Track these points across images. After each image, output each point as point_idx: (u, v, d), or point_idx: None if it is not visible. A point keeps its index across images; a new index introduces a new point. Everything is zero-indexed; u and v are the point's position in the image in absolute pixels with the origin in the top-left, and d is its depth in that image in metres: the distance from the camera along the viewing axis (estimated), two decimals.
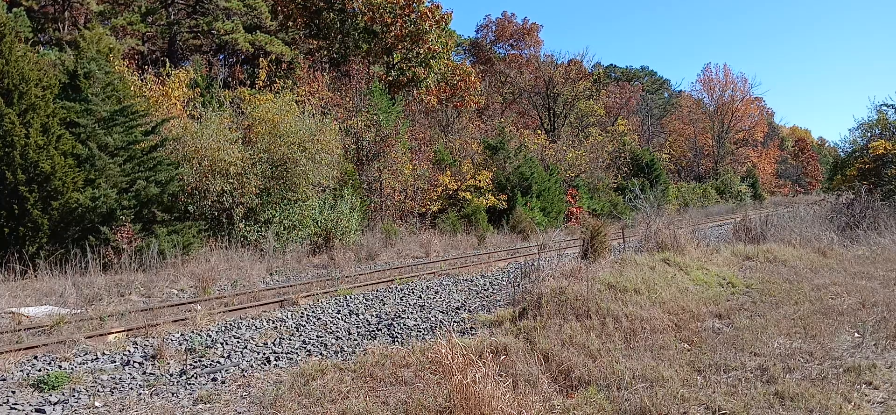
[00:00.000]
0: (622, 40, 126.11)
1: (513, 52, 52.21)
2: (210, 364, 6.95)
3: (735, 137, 61.72)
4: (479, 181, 26.34)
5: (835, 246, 14.49)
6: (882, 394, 5.37)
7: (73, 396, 5.86)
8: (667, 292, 8.79)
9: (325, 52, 32.55)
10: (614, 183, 38.88)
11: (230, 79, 33.39)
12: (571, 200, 31.39)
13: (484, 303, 10.39)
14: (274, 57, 30.59)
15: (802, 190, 70.60)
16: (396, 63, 32.89)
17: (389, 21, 31.03)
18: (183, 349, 7.46)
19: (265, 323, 8.95)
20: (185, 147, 16.74)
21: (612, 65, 66.80)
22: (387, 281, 12.74)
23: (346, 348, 7.66)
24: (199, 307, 9.73)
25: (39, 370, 6.60)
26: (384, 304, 10.42)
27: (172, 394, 5.94)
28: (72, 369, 6.70)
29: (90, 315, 9.06)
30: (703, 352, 6.44)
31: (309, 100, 23.27)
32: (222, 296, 10.95)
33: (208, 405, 5.59)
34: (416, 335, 8.18)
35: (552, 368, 5.98)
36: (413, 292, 11.47)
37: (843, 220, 17.94)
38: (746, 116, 62.81)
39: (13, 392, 5.96)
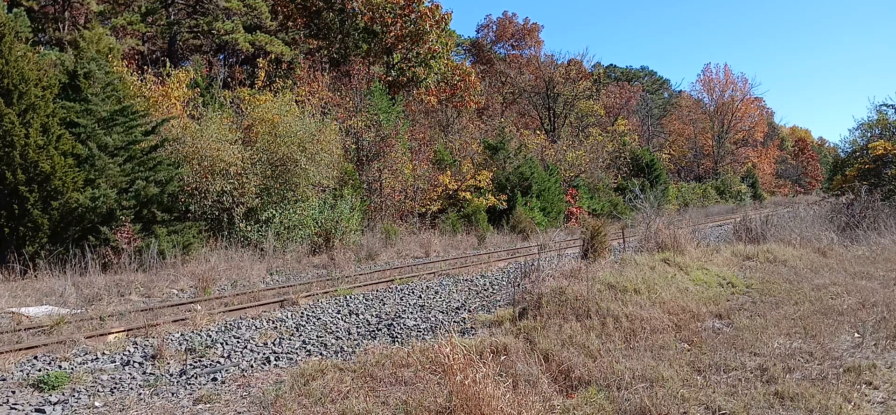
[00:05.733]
0: (622, 40, 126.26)
1: (513, 52, 52.22)
2: (210, 364, 6.94)
3: (735, 137, 61.72)
4: (479, 181, 26.34)
5: (835, 246, 14.48)
6: (882, 394, 5.37)
7: (73, 396, 5.86)
8: (667, 292, 8.79)
9: (325, 52, 32.55)
10: (614, 183, 38.89)
11: (230, 79, 33.41)
12: (571, 200, 31.39)
13: (484, 303, 10.38)
14: (274, 57, 30.58)
15: (802, 190, 70.59)
16: (396, 63, 32.89)
17: (389, 21, 31.03)
18: (183, 349, 7.46)
19: (265, 323, 8.95)
20: (184, 147, 16.75)
21: (612, 65, 66.94)
22: (387, 281, 12.74)
23: (346, 348, 7.66)
24: (199, 307, 9.73)
25: (39, 370, 6.60)
26: (384, 304, 10.42)
27: (172, 394, 5.94)
28: (72, 369, 6.69)
29: (90, 315, 9.06)
30: (703, 352, 6.44)
31: (309, 100, 23.29)
32: (222, 296, 10.95)
33: (208, 405, 5.58)
34: (416, 335, 8.17)
35: (552, 368, 5.97)
36: (413, 292, 11.47)
37: (843, 220, 17.93)
38: (746, 116, 62.81)
39: (13, 392, 5.96)
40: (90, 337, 7.82)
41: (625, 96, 55.55)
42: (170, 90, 19.58)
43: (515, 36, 52.92)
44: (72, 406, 5.63)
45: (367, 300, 10.71)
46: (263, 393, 5.78)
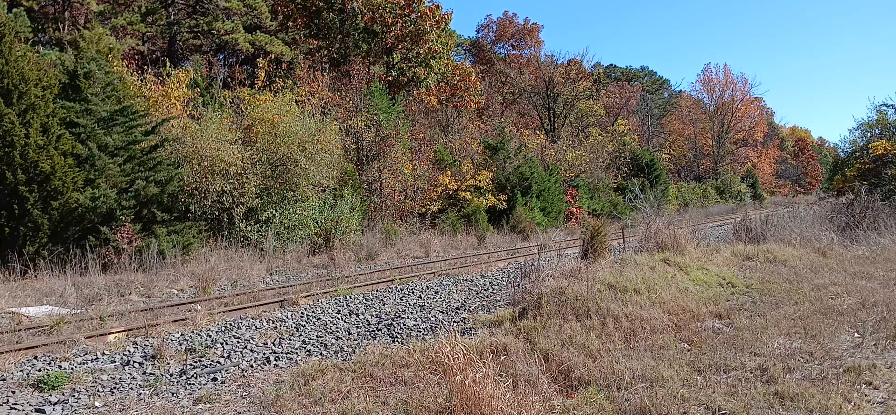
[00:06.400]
0: (622, 40, 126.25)
1: (513, 52, 52.24)
2: (210, 364, 6.94)
3: (735, 137, 61.69)
4: (479, 181, 26.33)
5: (835, 246, 14.48)
6: (882, 394, 5.37)
7: (73, 396, 5.86)
8: (667, 292, 8.79)
9: (325, 52, 32.55)
10: (614, 183, 38.88)
11: (230, 79, 33.41)
12: (571, 200, 31.39)
13: (484, 303, 10.38)
14: (274, 57, 30.59)
15: (802, 190, 70.59)
16: (396, 63, 32.89)
17: (389, 21, 31.03)
18: (183, 349, 7.46)
19: (265, 323, 8.95)
20: (184, 147, 16.75)
21: (611, 65, 66.94)
22: (387, 281, 12.74)
23: (346, 348, 7.66)
24: (199, 307, 9.73)
25: (39, 370, 6.60)
26: (384, 304, 10.42)
27: (172, 394, 5.94)
28: (72, 369, 6.69)
29: (90, 315, 9.06)
30: (703, 352, 6.44)
31: (309, 100, 23.28)
32: (222, 296, 10.94)
33: (208, 405, 5.58)
34: (416, 335, 8.17)
35: (552, 368, 5.97)
36: (413, 292, 11.47)
37: (843, 220, 17.93)
38: (746, 116, 62.77)
39: (13, 392, 5.96)
40: (90, 337, 7.82)
41: (625, 96, 55.56)
42: (170, 90, 19.58)
43: (515, 36, 52.95)
44: (72, 406, 5.63)
45: (367, 300, 10.71)
46: (263, 393, 5.78)
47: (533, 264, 9.56)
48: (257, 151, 18.01)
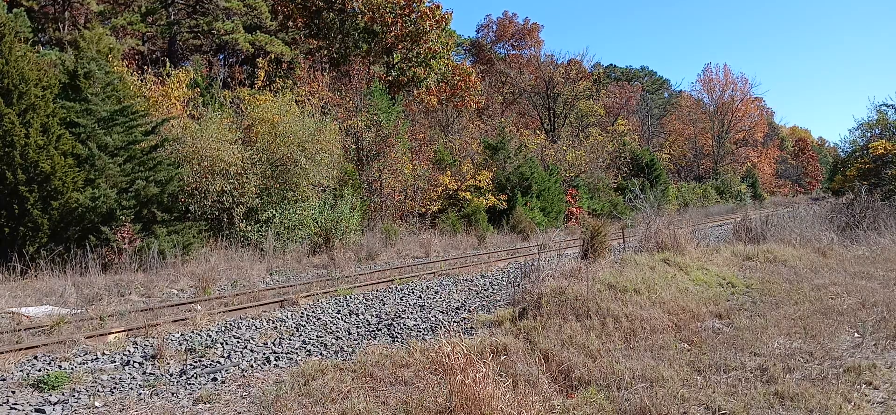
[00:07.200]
0: (622, 40, 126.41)
1: (513, 52, 52.24)
2: (210, 364, 6.94)
3: (735, 137, 61.68)
4: (479, 181, 26.33)
5: (835, 246, 14.48)
6: (882, 394, 5.37)
7: (73, 396, 5.86)
8: (667, 292, 8.79)
9: (325, 52, 32.55)
10: (614, 183, 38.87)
11: (230, 79, 33.39)
12: (571, 200, 31.39)
13: (484, 303, 10.38)
14: (274, 57, 30.57)
15: (802, 190, 70.60)
16: (396, 63, 32.89)
17: (389, 21, 31.03)
18: (183, 349, 7.45)
19: (265, 323, 8.95)
20: (184, 147, 16.74)
21: (611, 65, 66.94)
22: (387, 281, 12.74)
23: (346, 348, 7.66)
24: (199, 307, 9.73)
25: (39, 370, 6.60)
26: (384, 304, 10.42)
27: (172, 394, 5.94)
28: (72, 369, 6.69)
29: (90, 315, 9.06)
30: (703, 352, 6.44)
31: (309, 100, 23.27)
32: (222, 296, 10.94)
33: (208, 405, 5.58)
34: (416, 335, 8.17)
35: (552, 368, 5.97)
36: (413, 292, 11.47)
37: (843, 220, 17.93)
38: (746, 116, 62.76)
39: (13, 392, 5.96)
40: (90, 337, 7.82)
41: (625, 96, 55.55)
42: (170, 90, 19.57)
43: (515, 36, 52.94)
44: (72, 406, 5.63)
45: (367, 300, 10.71)
46: (263, 393, 5.77)
47: (533, 264, 9.56)
48: (257, 151, 18.01)
